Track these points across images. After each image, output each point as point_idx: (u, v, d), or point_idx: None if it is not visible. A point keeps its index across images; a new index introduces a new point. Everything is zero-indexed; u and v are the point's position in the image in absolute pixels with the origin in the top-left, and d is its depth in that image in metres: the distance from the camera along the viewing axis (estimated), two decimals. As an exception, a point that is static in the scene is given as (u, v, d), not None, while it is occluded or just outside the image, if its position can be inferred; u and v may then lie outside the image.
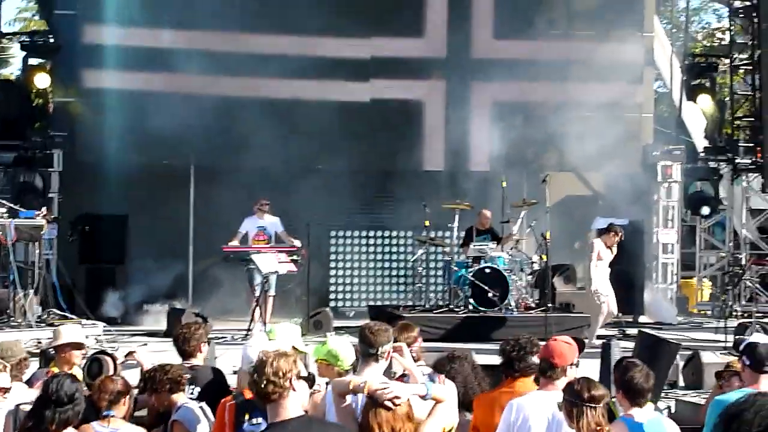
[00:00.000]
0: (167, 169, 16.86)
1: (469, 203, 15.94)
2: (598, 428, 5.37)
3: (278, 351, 5.28)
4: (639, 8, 19.24)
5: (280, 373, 5.01)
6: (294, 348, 7.30)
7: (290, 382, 5.05)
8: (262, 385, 5.03)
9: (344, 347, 6.62)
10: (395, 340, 6.60)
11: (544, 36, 18.63)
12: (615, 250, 14.52)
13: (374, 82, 18.05)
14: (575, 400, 5.66)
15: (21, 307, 14.44)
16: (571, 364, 6.34)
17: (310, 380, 6.62)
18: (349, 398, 5.46)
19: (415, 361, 6.85)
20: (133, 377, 7.97)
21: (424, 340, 7.87)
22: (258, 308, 14.09)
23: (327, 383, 6.98)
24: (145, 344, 13.23)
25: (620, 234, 14.75)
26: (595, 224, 17.52)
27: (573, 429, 5.70)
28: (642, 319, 16.20)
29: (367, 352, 6.21)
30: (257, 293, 14.37)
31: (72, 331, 8.55)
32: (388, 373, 6.14)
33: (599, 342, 12.37)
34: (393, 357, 5.85)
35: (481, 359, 9.36)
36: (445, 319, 14.18)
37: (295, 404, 5.10)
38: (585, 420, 5.59)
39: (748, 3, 18.61)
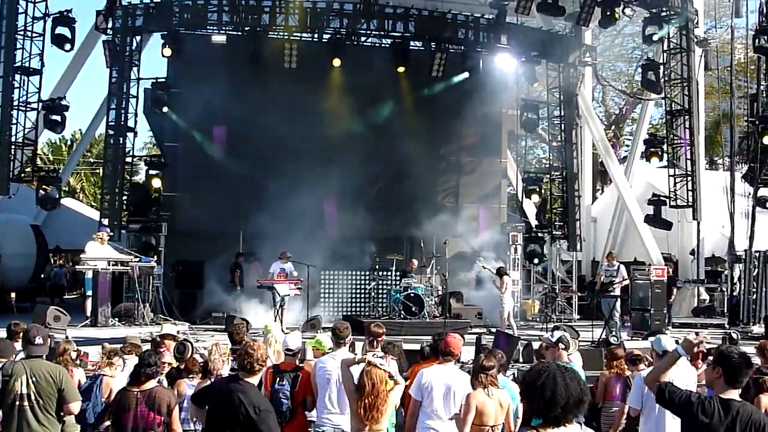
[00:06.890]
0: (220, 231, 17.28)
1: (400, 255, 16.29)
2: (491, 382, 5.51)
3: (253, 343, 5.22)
4: (499, 145, 20.21)
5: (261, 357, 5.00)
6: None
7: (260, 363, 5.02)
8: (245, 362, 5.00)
9: (326, 339, 6.80)
10: (378, 334, 6.81)
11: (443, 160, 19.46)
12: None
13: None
14: (478, 368, 5.56)
15: (141, 314, 14.52)
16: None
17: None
18: (351, 369, 5.47)
19: (376, 347, 6.71)
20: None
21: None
22: (277, 315, 14.22)
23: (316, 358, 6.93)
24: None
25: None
26: (474, 268, 18.03)
27: (477, 386, 5.41)
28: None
29: (336, 341, 6.55)
30: (277, 306, 14.45)
31: (169, 327, 8.50)
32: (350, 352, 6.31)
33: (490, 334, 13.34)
34: (378, 362, 5.31)
35: (407, 346, 9.72)
36: (387, 323, 14.40)
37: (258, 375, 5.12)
38: (484, 379, 5.39)
39: (560, 143, 19.55)
